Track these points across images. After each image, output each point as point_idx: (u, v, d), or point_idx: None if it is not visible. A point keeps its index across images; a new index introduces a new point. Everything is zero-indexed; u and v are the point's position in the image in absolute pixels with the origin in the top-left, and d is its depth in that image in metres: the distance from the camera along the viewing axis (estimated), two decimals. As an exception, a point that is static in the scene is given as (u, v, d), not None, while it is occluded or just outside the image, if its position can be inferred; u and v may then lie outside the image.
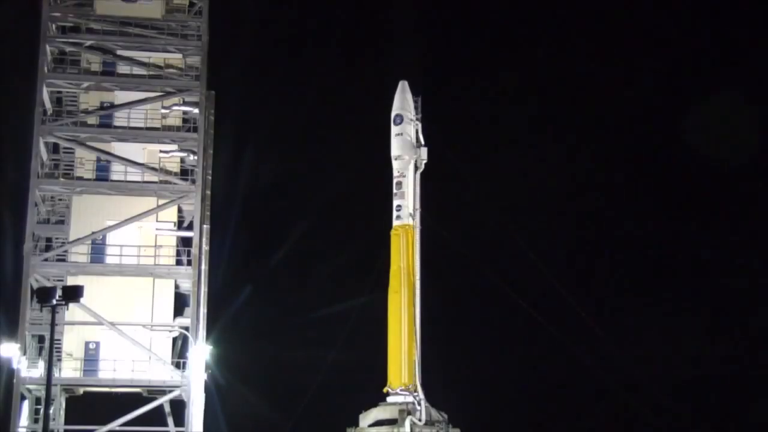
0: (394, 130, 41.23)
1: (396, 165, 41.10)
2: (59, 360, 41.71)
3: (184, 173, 45.27)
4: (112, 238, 43.81)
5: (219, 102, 47.03)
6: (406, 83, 41.94)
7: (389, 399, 38.79)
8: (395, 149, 41.15)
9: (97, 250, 43.83)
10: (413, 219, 40.48)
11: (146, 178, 44.78)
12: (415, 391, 38.29)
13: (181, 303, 44.52)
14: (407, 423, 37.35)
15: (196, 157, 44.76)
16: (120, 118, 45.14)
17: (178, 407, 43.32)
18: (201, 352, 42.77)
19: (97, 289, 42.08)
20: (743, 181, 66.60)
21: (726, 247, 63.18)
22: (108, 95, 45.65)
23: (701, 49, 73.13)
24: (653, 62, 73.37)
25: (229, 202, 50.46)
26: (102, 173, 44.83)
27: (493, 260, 42.40)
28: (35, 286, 41.87)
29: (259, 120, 60.63)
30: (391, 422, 37.85)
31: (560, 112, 70.63)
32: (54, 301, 31.66)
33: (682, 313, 59.62)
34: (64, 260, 43.47)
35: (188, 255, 43.97)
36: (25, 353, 41.60)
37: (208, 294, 44.16)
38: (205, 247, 44.68)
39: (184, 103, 45.61)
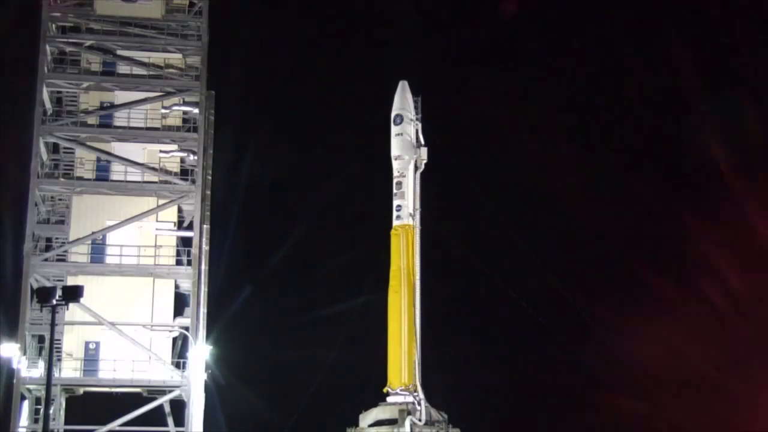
0: (394, 130, 41.26)
1: (396, 165, 41.12)
2: (59, 360, 41.67)
3: (184, 173, 45.25)
4: (112, 238, 43.79)
5: (219, 102, 47.09)
6: (406, 83, 41.96)
7: (389, 399, 38.80)
8: (395, 149, 41.17)
9: (97, 250, 43.81)
10: (413, 219, 40.50)
11: (146, 178, 44.77)
12: (415, 391, 38.30)
13: (181, 303, 44.51)
14: (407, 423, 37.36)
15: (196, 157, 44.76)
16: (120, 118, 45.12)
17: (178, 407, 43.30)
18: (201, 352, 42.76)
19: (97, 289, 42.06)
20: (743, 181, 66.60)
21: (727, 247, 63.15)
22: (108, 95, 45.62)
23: (702, 49, 73.14)
24: (653, 63, 73.38)
25: (229, 202, 50.47)
26: (102, 173, 44.82)
27: (493, 260, 42.50)
28: (35, 286, 41.83)
29: (259, 120, 60.59)
30: (391, 422, 37.86)
31: (560, 111, 70.62)
32: (54, 301, 31.65)
33: (683, 313, 59.59)
34: (64, 260, 43.45)
35: (188, 255, 43.95)
36: (25, 353, 41.56)
37: (208, 294, 44.14)
38: (205, 247, 44.66)
39: (184, 103, 45.58)
